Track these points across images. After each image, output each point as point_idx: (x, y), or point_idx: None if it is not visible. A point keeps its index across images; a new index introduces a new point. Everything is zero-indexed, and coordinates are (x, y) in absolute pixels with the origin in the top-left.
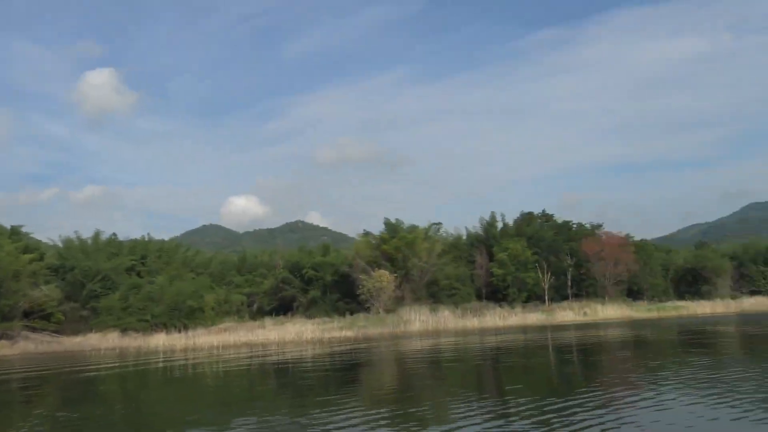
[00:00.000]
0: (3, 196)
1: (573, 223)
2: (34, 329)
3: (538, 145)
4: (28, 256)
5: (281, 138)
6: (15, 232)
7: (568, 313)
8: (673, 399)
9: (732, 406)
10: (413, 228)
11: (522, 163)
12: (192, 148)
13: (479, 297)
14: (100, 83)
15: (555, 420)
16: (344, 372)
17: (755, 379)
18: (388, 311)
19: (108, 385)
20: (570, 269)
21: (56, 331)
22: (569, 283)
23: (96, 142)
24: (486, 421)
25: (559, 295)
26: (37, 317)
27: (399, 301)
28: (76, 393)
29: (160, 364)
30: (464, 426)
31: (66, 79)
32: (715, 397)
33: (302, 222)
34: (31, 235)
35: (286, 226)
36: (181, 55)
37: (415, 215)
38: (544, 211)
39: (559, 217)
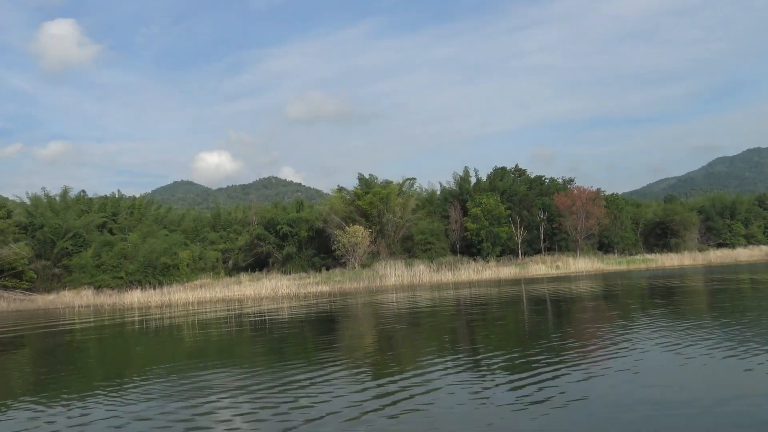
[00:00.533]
0: None
1: (545, 178)
2: (5, 287)
3: (509, 99)
4: None
5: (251, 92)
6: None
7: (540, 267)
8: (629, 347)
9: (679, 353)
10: (387, 183)
11: (494, 118)
12: (159, 102)
13: (454, 251)
14: (60, 34)
15: (522, 366)
16: (320, 324)
17: (707, 327)
18: (363, 266)
19: (83, 340)
20: (543, 223)
21: (29, 289)
22: (542, 237)
23: (58, 96)
24: (457, 369)
25: (532, 248)
26: (8, 275)
27: (374, 256)
28: (51, 348)
29: (136, 320)
30: (435, 373)
31: (24, 30)
32: (667, 344)
33: (275, 178)
34: None
35: (260, 182)
36: (145, 5)
37: (388, 170)
38: (516, 165)
39: (532, 171)
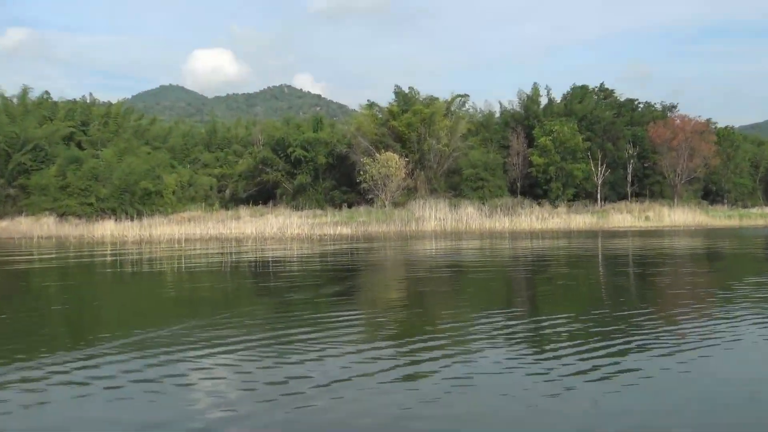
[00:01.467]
0: None
1: (639, 103)
2: None
3: None
4: None
5: None
6: None
7: (625, 217)
8: (718, 321)
9: None
10: (432, 100)
11: (575, 21)
12: None
13: (513, 192)
14: None
15: (580, 335)
16: (338, 275)
17: None
18: (396, 205)
19: (44, 280)
20: (632, 161)
21: None
22: (629, 179)
23: None
24: (511, 341)
25: (616, 193)
26: None
27: (410, 193)
28: (4, 288)
29: (108, 258)
30: (484, 348)
31: None
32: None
33: (288, 86)
34: None
35: (268, 91)
36: None
37: (434, 84)
38: (602, 85)
39: (621, 93)
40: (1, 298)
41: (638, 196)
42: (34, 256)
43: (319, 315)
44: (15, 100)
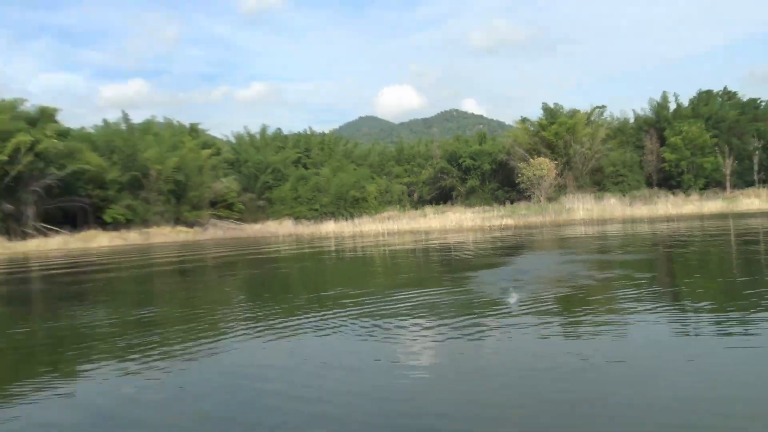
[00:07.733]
0: (179, 95)
1: (761, 101)
2: (219, 218)
3: (717, 7)
4: (207, 152)
5: (433, 22)
6: (194, 130)
7: (753, 201)
8: None
9: None
10: (574, 112)
11: (697, 34)
12: (344, 39)
13: (649, 184)
14: None
15: (734, 317)
16: (506, 251)
17: None
18: (549, 200)
19: (288, 262)
20: (757, 152)
21: (239, 219)
22: (756, 169)
23: (255, 39)
24: (660, 317)
25: (743, 181)
26: (221, 207)
27: (561, 190)
28: (263, 267)
29: (332, 248)
30: (641, 320)
31: None
32: None
33: (457, 110)
34: (207, 132)
35: (441, 116)
36: None
37: (576, 99)
38: (725, 88)
39: (744, 94)
40: (260, 273)
41: (765, 182)
42: (282, 247)
43: (494, 294)
44: (258, 136)
